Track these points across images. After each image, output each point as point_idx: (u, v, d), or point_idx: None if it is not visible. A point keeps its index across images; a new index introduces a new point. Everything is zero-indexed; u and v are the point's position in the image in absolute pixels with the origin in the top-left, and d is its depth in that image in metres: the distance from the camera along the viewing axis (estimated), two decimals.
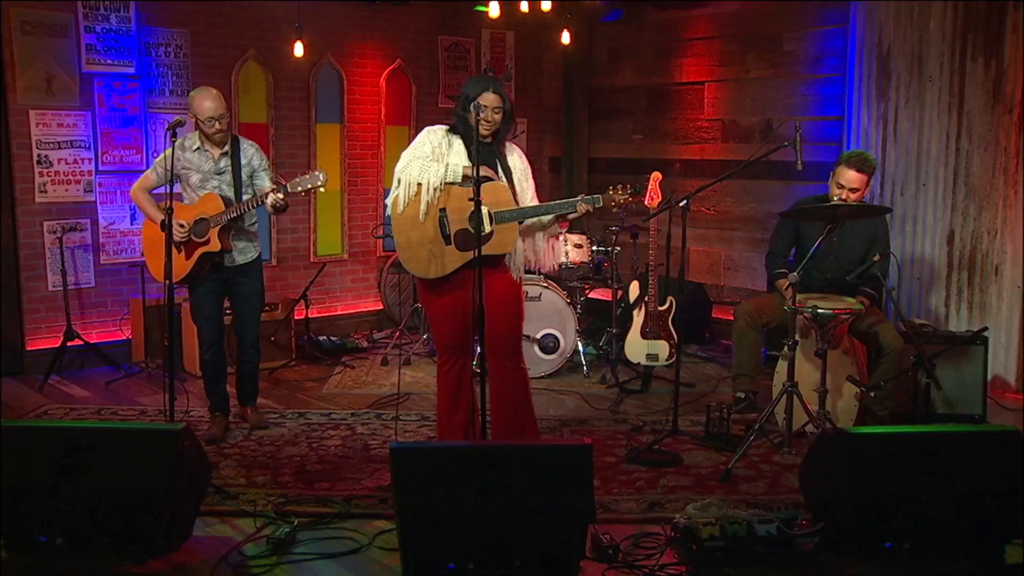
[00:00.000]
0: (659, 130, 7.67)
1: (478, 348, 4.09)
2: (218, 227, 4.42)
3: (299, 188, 4.25)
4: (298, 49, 6.59)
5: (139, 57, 6.16)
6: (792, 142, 4.40)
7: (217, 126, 4.43)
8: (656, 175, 5.30)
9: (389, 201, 3.92)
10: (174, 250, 4.33)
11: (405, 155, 3.89)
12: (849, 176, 4.61)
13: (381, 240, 7.41)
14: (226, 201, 4.45)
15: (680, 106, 7.50)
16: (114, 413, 5.18)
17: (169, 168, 4.18)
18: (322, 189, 4.29)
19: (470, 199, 3.59)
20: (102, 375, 5.90)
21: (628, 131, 7.92)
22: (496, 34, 7.89)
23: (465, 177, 3.77)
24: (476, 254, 3.56)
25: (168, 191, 4.14)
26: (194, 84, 6.25)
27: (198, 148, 4.52)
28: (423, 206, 3.78)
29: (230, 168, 4.52)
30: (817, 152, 6.25)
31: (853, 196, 4.61)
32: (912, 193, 5.68)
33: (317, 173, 4.25)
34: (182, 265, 4.48)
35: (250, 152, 4.58)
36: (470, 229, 3.73)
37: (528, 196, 3.98)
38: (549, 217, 3.91)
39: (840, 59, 6.31)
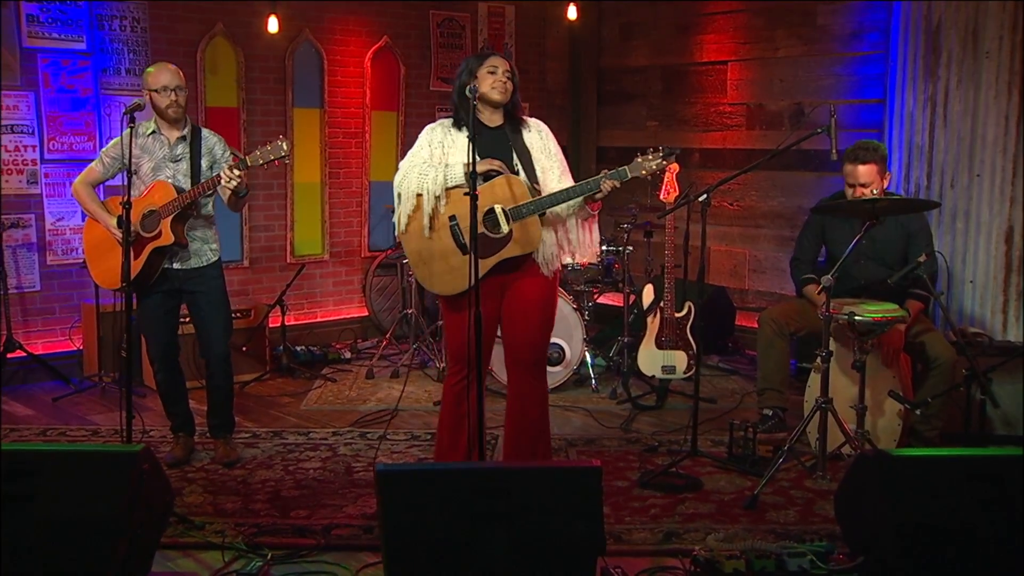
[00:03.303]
0: (676, 116, 7.68)
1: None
2: (170, 217, 4.39)
3: (260, 161, 4.23)
4: (272, 24, 6.59)
5: (90, 31, 6.15)
6: (826, 129, 4.41)
7: (173, 97, 4.39)
8: (672, 166, 5.31)
9: (395, 220, 3.97)
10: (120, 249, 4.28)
11: (402, 165, 3.95)
12: (856, 172, 4.71)
13: (366, 239, 7.41)
14: (178, 190, 4.42)
15: (700, 89, 7.50)
16: (62, 434, 5.16)
17: (127, 154, 4.15)
18: (286, 161, 4.28)
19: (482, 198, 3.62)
20: (48, 391, 5.88)
21: (641, 117, 7.92)
22: (494, 8, 7.89)
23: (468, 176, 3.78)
24: (472, 256, 3.54)
25: (127, 181, 4.12)
26: (154, 63, 6.23)
27: (153, 132, 4.49)
28: (425, 219, 3.83)
29: (187, 155, 4.49)
30: (855, 140, 6.21)
31: (869, 192, 4.65)
32: (964, 185, 5.65)
33: (279, 142, 4.23)
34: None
35: (212, 141, 4.57)
36: (488, 233, 3.79)
37: (554, 176, 3.98)
38: (576, 200, 3.91)
39: (882, 34, 6.31)
